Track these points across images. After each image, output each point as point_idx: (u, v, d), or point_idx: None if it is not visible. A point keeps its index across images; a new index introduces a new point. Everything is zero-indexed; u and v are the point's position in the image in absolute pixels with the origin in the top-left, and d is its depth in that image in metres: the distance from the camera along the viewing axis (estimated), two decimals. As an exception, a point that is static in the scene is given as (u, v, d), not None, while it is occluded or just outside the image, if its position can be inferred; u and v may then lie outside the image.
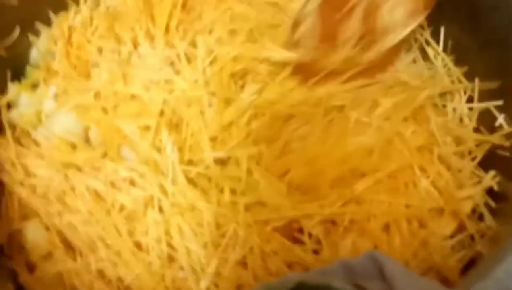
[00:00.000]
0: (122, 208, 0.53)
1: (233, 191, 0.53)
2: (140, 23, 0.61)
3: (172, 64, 0.59)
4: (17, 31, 0.61)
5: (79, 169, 0.55)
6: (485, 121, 0.55)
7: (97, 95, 0.58)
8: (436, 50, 0.61)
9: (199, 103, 0.57)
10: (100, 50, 0.61)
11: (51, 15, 0.64)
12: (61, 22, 0.63)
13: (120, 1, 0.64)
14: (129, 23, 0.61)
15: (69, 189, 0.54)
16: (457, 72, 0.59)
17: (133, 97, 0.58)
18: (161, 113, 0.56)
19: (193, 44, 0.60)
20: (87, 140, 0.57)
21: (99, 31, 0.62)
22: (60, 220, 0.52)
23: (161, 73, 0.58)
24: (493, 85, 0.54)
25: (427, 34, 0.62)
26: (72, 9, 0.65)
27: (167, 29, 0.61)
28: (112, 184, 0.54)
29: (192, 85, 0.57)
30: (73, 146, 0.56)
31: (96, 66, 0.61)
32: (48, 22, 0.64)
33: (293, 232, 0.52)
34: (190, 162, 0.55)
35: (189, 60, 0.59)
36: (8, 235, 0.53)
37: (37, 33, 0.64)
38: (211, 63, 0.59)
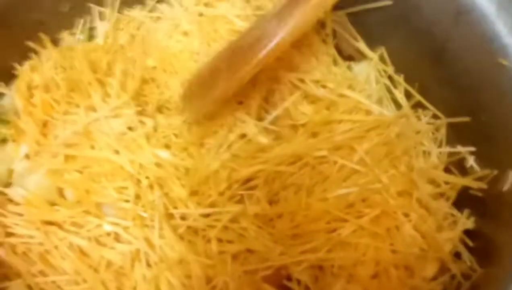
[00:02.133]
0: (109, 264, 0.52)
1: (220, 241, 0.54)
2: (95, 88, 0.59)
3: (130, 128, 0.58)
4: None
5: (60, 226, 0.54)
6: (455, 161, 0.58)
7: (66, 158, 0.57)
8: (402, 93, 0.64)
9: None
10: (64, 112, 0.59)
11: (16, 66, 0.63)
12: (22, 80, 0.61)
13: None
14: (85, 88, 0.59)
15: (52, 247, 0.52)
16: (425, 111, 0.62)
17: (103, 159, 0.56)
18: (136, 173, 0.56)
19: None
20: (63, 199, 0.56)
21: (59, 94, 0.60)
22: (44, 280, 0.51)
23: (126, 137, 0.57)
24: (461, 119, 0.57)
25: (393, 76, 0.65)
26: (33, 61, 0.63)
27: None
28: (97, 240, 0.53)
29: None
30: (51, 204, 0.55)
31: (60, 128, 0.58)
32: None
33: (281, 280, 0.53)
34: (172, 216, 0.55)
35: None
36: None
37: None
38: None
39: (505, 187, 0.50)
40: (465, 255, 0.52)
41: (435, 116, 0.61)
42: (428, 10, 0.58)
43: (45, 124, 0.58)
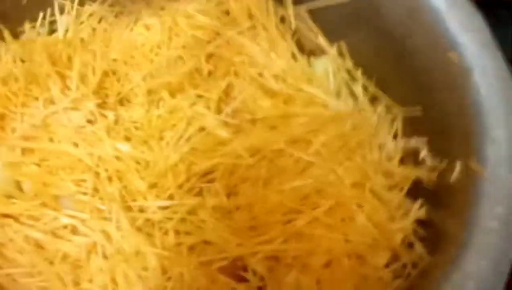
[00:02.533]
0: (65, 257, 0.52)
1: (177, 233, 0.54)
2: (55, 81, 0.59)
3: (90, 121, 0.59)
4: None
5: (16, 219, 0.54)
6: (409, 152, 0.60)
7: (24, 150, 0.57)
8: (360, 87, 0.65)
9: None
10: (22, 105, 0.59)
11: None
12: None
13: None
14: (44, 81, 0.59)
15: (7, 240, 0.52)
16: (382, 104, 0.63)
17: (62, 151, 0.57)
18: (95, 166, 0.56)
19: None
20: (21, 191, 0.56)
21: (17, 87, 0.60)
22: (-1, 273, 0.51)
23: (85, 130, 0.57)
24: (416, 112, 0.58)
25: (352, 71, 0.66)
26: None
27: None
28: (53, 233, 0.53)
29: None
30: (8, 197, 0.55)
31: (18, 121, 0.58)
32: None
33: (237, 271, 0.54)
34: (130, 209, 0.55)
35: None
36: None
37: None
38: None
39: (454, 177, 0.51)
40: (417, 244, 0.53)
41: (391, 111, 0.62)
42: (384, 9, 0.59)
43: (2, 117, 0.58)
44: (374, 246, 0.53)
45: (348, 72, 0.66)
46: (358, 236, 0.53)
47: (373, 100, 0.64)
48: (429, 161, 0.56)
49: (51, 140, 0.56)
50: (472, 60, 0.51)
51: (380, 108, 0.63)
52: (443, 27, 0.55)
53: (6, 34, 0.62)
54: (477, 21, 0.54)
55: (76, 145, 0.56)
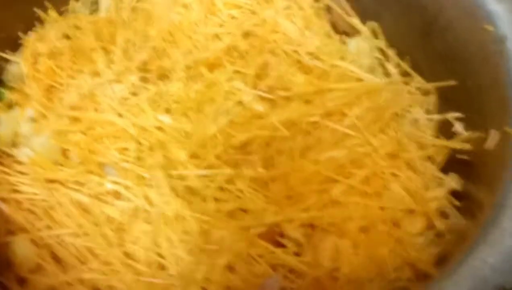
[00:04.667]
0: (109, 220, 0.54)
1: (216, 200, 0.56)
2: (100, 55, 0.62)
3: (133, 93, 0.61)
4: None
5: (63, 184, 0.56)
6: (443, 127, 0.61)
7: (71, 119, 0.60)
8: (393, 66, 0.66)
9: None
10: (68, 76, 0.62)
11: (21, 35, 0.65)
12: (27, 48, 0.64)
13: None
14: (89, 54, 0.62)
15: (55, 203, 0.55)
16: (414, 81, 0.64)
17: (107, 121, 0.59)
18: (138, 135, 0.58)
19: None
20: (67, 159, 0.59)
21: (63, 60, 0.63)
22: (48, 234, 0.53)
23: (129, 101, 0.60)
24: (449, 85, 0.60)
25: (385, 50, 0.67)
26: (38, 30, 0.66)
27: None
28: (98, 198, 0.56)
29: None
30: (56, 164, 0.58)
31: (66, 92, 0.61)
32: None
33: (275, 237, 0.55)
34: (170, 177, 0.57)
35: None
36: (-7, 251, 0.54)
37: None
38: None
39: (489, 146, 0.52)
40: (451, 212, 0.54)
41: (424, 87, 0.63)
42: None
43: (49, 89, 0.61)
44: (409, 213, 0.54)
45: (381, 51, 0.67)
46: (393, 203, 0.54)
47: (406, 77, 0.65)
48: (463, 133, 0.57)
49: (96, 110, 0.59)
50: (506, 29, 0.52)
51: (413, 84, 0.64)
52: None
53: (52, 11, 0.65)
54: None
55: (120, 115, 0.58)
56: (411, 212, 0.54)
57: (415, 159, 0.57)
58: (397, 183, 0.55)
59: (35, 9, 0.64)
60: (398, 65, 0.66)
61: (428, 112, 0.62)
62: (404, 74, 0.65)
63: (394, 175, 0.56)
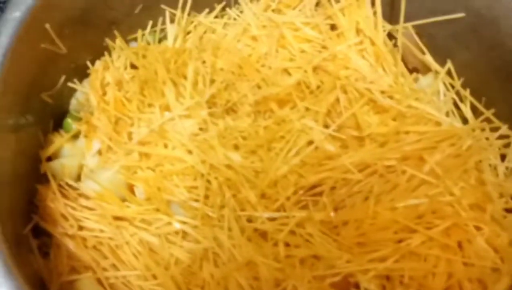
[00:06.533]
0: (177, 262, 0.52)
1: (287, 245, 0.54)
2: (169, 87, 0.60)
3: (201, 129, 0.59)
4: (62, 80, 0.61)
5: (130, 222, 0.55)
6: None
7: (141, 155, 0.58)
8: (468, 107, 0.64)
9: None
10: (137, 110, 0.60)
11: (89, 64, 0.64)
12: (95, 78, 0.62)
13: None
14: (159, 87, 0.60)
15: (123, 242, 0.53)
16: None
17: (176, 158, 0.57)
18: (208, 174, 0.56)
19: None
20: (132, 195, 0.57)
21: (131, 92, 0.61)
22: (115, 275, 0.52)
23: (198, 137, 0.58)
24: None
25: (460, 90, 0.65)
26: (103, 62, 0.64)
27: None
28: (166, 238, 0.54)
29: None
30: (122, 200, 0.56)
31: (135, 126, 0.59)
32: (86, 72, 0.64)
33: (349, 288, 0.53)
34: (239, 218, 0.55)
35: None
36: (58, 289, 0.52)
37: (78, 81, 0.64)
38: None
39: None
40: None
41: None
42: (505, 22, 0.57)
43: (117, 122, 0.59)
44: (495, 271, 0.51)
45: (456, 91, 0.65)
46: (478, 259, 0.51)
47: (481, 117, 0.62)
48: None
49: (165, 146, 0.57)
50: None
51: (490, 130, 0.61)
52: None
53: (119, 40, 0.64)
54: None
55: (190, 152, 0.56)
56: (494, 270, 0.51)
57: (500, 211, 0.54)
58: (482, 237, 0.52)
59: (107, 40, 0.63)
60: (472, 106, 0.64)
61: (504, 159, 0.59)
62: (482, 118, 0.62)
63: (477, 228, 0.53)
